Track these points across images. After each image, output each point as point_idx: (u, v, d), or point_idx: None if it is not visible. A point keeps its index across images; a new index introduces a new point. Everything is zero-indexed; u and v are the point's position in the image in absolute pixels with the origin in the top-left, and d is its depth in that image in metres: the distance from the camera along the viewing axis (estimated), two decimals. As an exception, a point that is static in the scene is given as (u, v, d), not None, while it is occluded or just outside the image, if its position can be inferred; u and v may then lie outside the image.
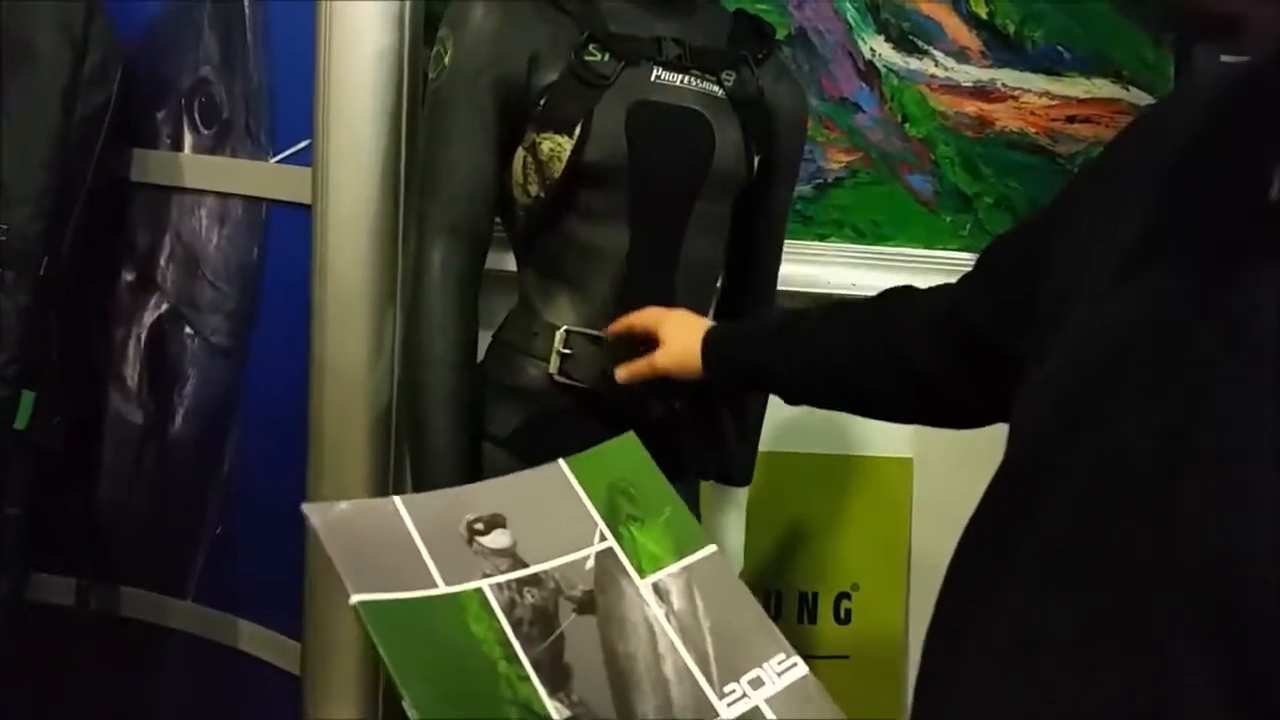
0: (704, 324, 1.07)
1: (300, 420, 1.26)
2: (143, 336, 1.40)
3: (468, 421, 1.11)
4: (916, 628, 1.70)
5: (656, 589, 0.67)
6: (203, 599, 1.44)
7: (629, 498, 0.73)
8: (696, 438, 1.15)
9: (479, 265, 1.13)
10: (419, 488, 1.08)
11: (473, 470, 1.10)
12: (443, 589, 0.62)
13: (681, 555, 0.70)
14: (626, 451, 0.76)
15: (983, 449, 1.68)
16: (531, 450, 1.09)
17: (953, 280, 0.85)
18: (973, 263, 0.83)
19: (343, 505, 0.65)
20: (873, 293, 0.94)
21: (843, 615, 1.71)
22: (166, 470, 1.42)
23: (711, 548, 0.72)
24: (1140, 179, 0.58)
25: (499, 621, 0.62)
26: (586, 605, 0.65)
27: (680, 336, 1.05)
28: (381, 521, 0.65)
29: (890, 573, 1.72)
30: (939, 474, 1.70)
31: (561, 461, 0.74)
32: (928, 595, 0.62)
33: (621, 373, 1.10)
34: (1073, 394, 0.54)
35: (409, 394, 1.11)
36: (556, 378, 1.13)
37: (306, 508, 0.63)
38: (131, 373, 1.41)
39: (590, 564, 0.68)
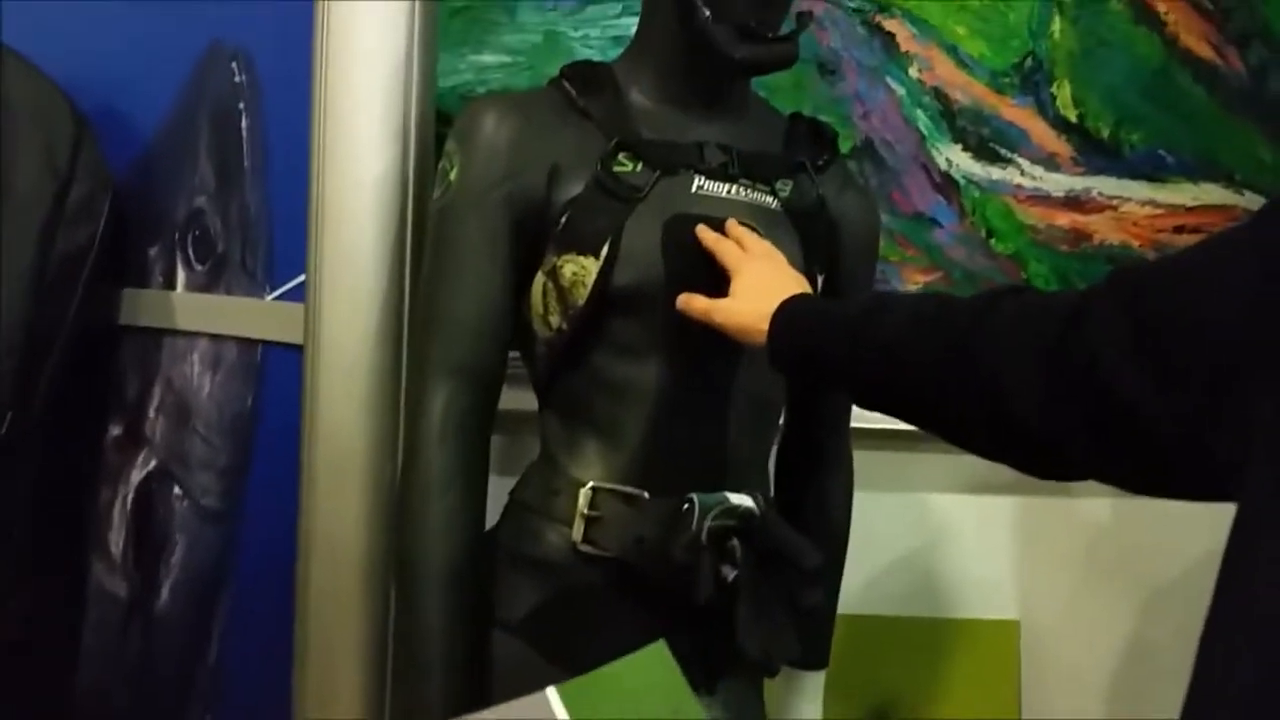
0: (785, 286, 0.90)
1: (298, 594, 1.09)
2: (129, 498, 1.26)
3: (470, 602, 0.93)
4: (1034, 824, 1.46)
5: None
6: (187, 804, 1.25)
7: None
8: (757, 619, 0.94)
9: (488, 412, 0.96)
10: (403, 687, 0.90)
11: (475, 664, 0.92)
12: None
13: None
14: (650, 670, 0.55)
15: (1099, 608, 1.50)
16: (549, 638, 0.93)
17: None
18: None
19: None
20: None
21: (946, 813, 1.47)
22: (151, 652, 1.26)
23: None
24: None
25: None
26: None
27: (752, 300, 0.90)
28: None
29: (1000, 759, 1.48)
30: (1050, 639, 1.51)
31: (551, 691, 0.53)
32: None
33: (680, 300, 0.93)
34: None
35: (397, 566, 0.94)
36: (580, 546, 0.95)
37: None
38: (117, 539, 1.27)
39: None
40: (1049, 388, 0.66)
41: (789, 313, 0.87)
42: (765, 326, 0.87)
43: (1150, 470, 0.63)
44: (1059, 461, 0.70)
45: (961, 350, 0.72)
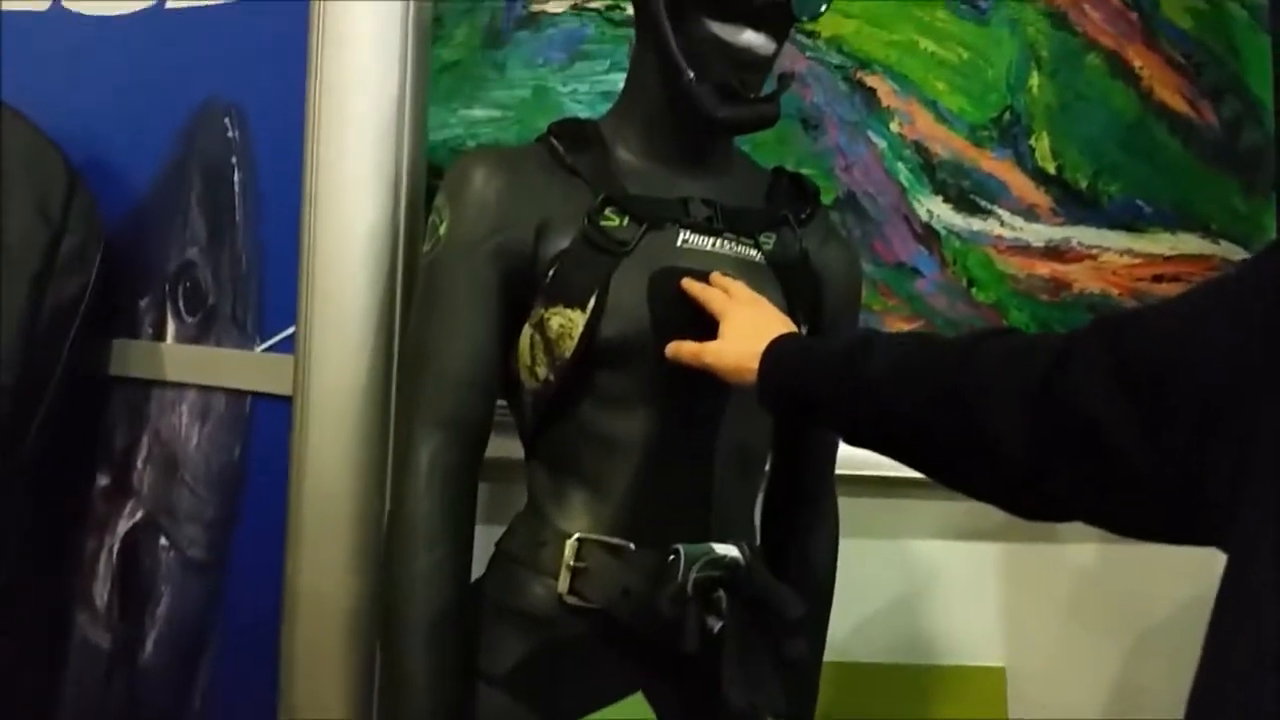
0: (772, 328, 0.91)
1: (284, 646, 1.08)
2: (115, 548, 1.25)
3: (456, 655, 0.92)
4: None
5: None
6: None
7: None
8: (742, 672, 0.94)
9: (474, 463, 0.96)
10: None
11: (460, 717, 0.91)
12: None
13: None
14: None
15: (1086, 654, 1.50)
16: (534, 691, 0.92)
17: None
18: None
19: None
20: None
21: None
22: (134, 704, 1.24)
23: None
24: None
25: None
26: None
27: (741, 340, 0.91)
28: None
29: (988, 808, 1.46)
30: (1037, 686, 1.50)
31: None
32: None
33: (670, 348, 0.94)
34: None
35: (382, 619, 0.93)
36: (566, 598, 0.94)
37: None
38: (101, 590, 1.25)
39: None
40: (1034, 430, 0.66)
41: (777, 352, 0.88)
42: (754, 365, 0.88)
43: (1137, 512, 0.63)
44: (1045, 503, 0.70)
45: (947, 390, 0.72)
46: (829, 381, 0.84)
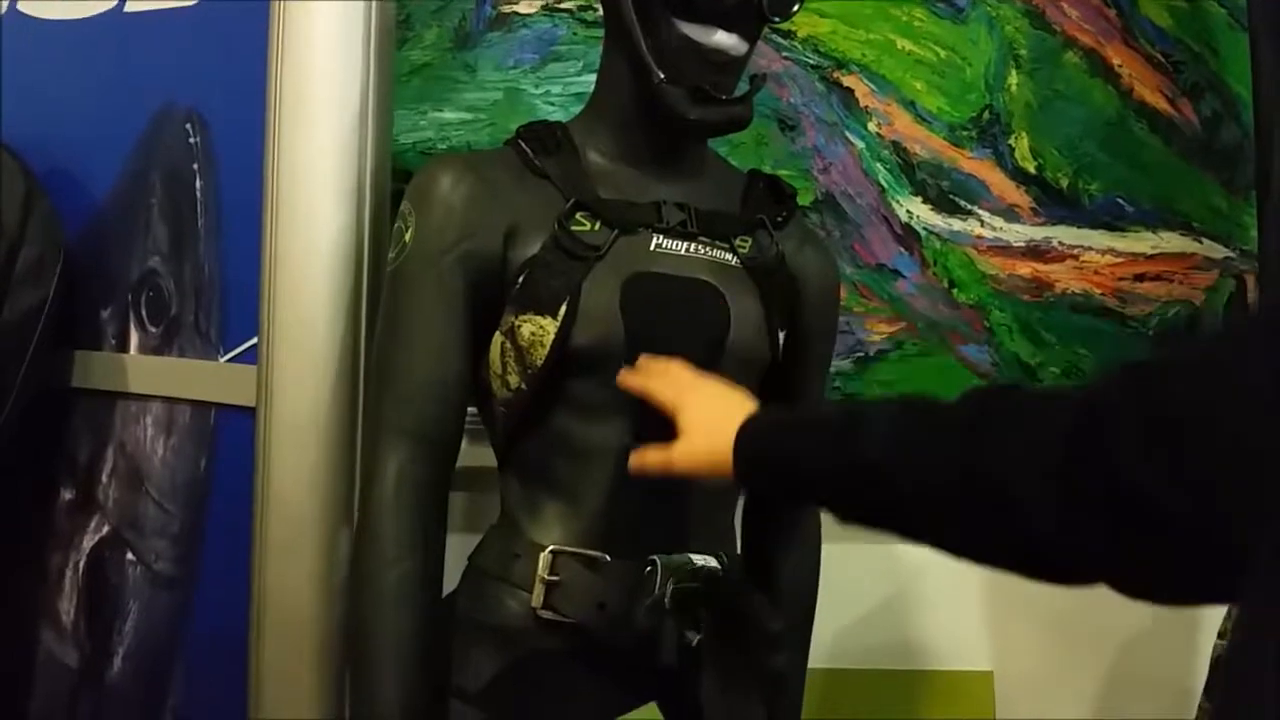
0: (737, 412, 0.83)
1: (254, 662, 1.05)
2: (81, 564, 1.22)
3: (425, 674, 0.89)
4: None
5: None
6: None
7: None
8: (722, 687, 0.92)
9: (444, 475, 0.94)
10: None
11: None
12: None
13: None
14: None
15: (1073, 658, 1.48)
16: (509, 709, 0.90)
17: None
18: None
19: None
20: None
21: None
22: (102, 722, 1.21)
23: None
24: None
25: None
26: None
27: (707, 434, 0.83)
28: None
29: (975, 814, 1.46)
30: (1024, 689, 1.49)
31: None
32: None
33: (633, 460, 0.88)
34: None
35: (351, 636, 0.91)
36: (540, 612, 0.92)
37: None
38: (67, 606, 1.22)
39: None
40: (1065, 498, 0.61)
41: (750, 435, 0.81)
42: (728, 467, 0.81)
43: (1170, 572, 0.60)
44: (1074, 571, 0.65)
45: (962, 469, 0.66)
46: (817, 461, 0.77)
